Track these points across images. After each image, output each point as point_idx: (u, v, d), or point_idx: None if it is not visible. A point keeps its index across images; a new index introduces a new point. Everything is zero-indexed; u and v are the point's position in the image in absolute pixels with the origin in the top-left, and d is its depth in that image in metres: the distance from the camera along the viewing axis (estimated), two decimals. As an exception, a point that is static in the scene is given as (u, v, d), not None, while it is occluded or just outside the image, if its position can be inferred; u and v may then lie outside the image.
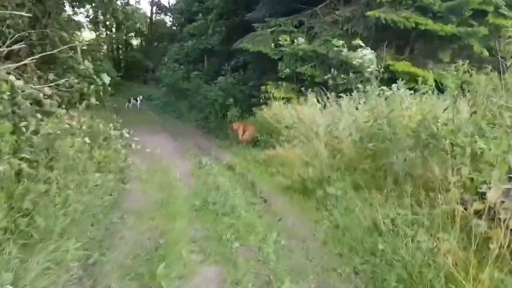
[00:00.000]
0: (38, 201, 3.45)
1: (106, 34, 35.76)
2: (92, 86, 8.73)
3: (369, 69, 9.29)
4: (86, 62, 8.72)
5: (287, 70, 10.50)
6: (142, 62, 34.06)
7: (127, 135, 7.16)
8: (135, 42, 39.30)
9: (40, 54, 6.27)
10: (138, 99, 19.78)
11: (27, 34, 7.02)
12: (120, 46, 37.87)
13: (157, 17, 38.34)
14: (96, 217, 4.31)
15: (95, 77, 9.04)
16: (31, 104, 4.56)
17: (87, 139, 5.32)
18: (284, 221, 4.54)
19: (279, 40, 10.89)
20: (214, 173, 6.68)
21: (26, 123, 3.96)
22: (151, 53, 34.61)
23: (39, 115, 5.02)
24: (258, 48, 10.84)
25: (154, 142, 11.06)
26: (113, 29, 36.42)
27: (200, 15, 19.83)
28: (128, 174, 6.59)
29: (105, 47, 36.46)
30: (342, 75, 9.68)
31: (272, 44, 11.02)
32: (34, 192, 3.46)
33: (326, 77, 9.85)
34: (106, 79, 9.04)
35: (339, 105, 7.98)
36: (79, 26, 18.17)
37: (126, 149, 7.60)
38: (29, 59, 5.87)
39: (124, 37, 37.31)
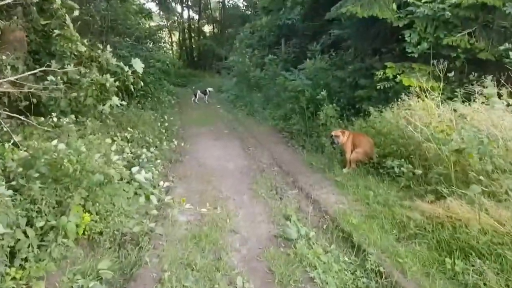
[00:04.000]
0: None
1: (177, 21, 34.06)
2: (108, 80, 5.59)
3: None
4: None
5: (424, 44, 6.38)
6: (215, 50, 31.35)
7: (143, 177, 3.79)
8: (207, 29, 36.93)
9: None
10: (207, 91, 17.17)
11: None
12: (192, 34, 35.86)
13: (230, 1, 35.30)
14: None
15: (120, 64, 5.99)
16: None
17: None
18: None
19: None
20: (319, 274, 2.99)
21: None
22: (224, 40, 31.77)
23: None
24: (372, 11, 6.78)
25: (215, 154, 7.79)
26: (184, 16, 34.58)
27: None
28: (140, 258, 3.25)
29: (177, 35, 34.88)
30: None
31: (393, 5, 6.92)
32: None
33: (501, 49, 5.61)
34: (139, 66, 5.97)
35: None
36: (149, 13, 15.83)
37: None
38: None
39: (197, 25, 35.25)
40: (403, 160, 4.53)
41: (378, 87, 6.63)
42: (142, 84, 6.38)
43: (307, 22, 14.11)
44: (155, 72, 12.54)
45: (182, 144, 7.81)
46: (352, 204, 4.38)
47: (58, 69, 4.64)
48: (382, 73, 6.56)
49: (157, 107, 11.30)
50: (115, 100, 5.88)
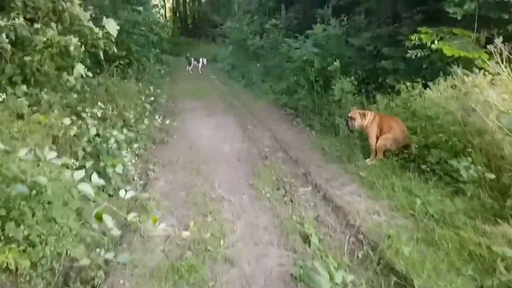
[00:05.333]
0: None
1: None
2: (72, 42, 4.25)
3: None
4: None
5: (469, 4, 5.04)
6: (210, 17, 29.45)
7: (90, 188, 2.56)
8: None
9: None
10: (201, 60, 16.07)
11: None
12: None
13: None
14: None
15: (89, 24, 4.68)
16: None
17: None
18: None
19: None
20: None
21: None
22: (220, 6, 29.78)
23: None
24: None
25: (208, 133, 6.58)
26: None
27: None
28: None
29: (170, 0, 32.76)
30: None
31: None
32: None
33: None
34: (112, 27, 4.72)
35: None
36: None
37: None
38: None
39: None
40: (469, 158, 3.24)
41: (409, 56, 5.32)
42: (115, 50, 5.09)
43: (313, -17, 12.55)
44: (141, 37, 11.06)
45: (167, 122, 6.63)
46: (391, 216, 3.20)
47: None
48: (416, 38, 5.23)
49: (143, 77, 9.97)
50: (80, 68, 4.63)
